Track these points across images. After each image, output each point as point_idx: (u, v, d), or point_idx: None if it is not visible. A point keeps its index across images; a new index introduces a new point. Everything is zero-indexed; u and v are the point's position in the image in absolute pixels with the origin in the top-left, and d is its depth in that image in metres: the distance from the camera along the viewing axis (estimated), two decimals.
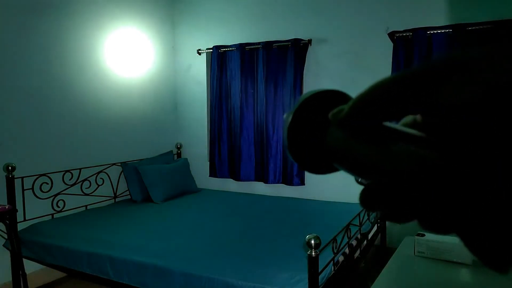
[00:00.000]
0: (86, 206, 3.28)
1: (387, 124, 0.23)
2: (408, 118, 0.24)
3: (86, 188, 3.30)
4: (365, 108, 0.24)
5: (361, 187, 0.24)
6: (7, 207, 2.54)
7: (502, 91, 0.18)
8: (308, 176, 3.67)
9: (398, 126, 0.23)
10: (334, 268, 2.14)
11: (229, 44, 3.92)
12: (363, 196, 0.23)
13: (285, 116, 0.29)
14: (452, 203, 0.20)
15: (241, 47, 3.84)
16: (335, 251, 2.08)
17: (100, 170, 3.44)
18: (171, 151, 4.11)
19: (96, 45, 3.42)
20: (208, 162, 4.12)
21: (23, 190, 2.81)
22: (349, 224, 2.32)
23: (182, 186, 3.73)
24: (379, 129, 0.23)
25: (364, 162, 0.23)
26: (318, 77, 3.63)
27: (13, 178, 2.70)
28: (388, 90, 0.23)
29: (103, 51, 3.50)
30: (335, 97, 0.28)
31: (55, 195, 3.05)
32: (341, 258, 2.29)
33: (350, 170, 0.25)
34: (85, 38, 3.33)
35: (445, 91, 0.20)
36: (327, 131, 0.26)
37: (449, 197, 0.20)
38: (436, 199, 0.20)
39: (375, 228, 3.10)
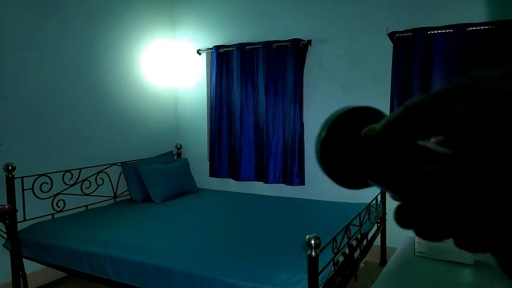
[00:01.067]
0: (86, 206, 3.28)
1: (418, 143, 0.24)
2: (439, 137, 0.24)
3: (86, 188, 3.30)
4: (396, 129, 0.24)
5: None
6: (7, 207, 2.54)
7: (499, 103, 0.19)
8: (308, 176, 3.67)
9: (425, 143, 0.24)
10: (334, 268, 2.14)
11: (229, 44, 3.92)
12: (395, 214, 0.24)
13: (319, 131, 0.29)
14: (480, 220, 0.20)
15: (241, 47, 3.84)
16: (335, 251, 2.08)
17: (100, 170, 3.44)
18: (171, 151, 4.12)
19: (95, 45, 3.42)
20: (208, 162, 4.12)
21: (23, 190, 2.81)
22: (349, 224, 2.31)
23: (182, 186, 3.73)
24: (408, 149, 0.24)
25: (393, 181, 0.24)
26: (318, 77, 3.63)
27: (13, 178, 2.70)
28: (414, 111, 0.24)
29: (102, 51, 3.50)
30: (368, 113, 0.29)
31: (55, 195, 3.05)
32: (341, 258, 2.29)
33: (382, 187, 0.26)
34: (80, 39, 3.33)
35: (450, 108, 0.21)
36: (358, 148, 0.27)
37: (475, 214, 0.20)
38: (464, 216, 0.20)
39: (375, 228, 3.10)
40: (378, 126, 0.25)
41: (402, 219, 0.24)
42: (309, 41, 3.58)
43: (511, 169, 0.19)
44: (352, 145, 0.28)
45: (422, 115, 0.23)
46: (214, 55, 3.98)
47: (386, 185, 0.25)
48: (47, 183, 2.98)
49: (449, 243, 1.74)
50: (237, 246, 2.33)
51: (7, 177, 2.69)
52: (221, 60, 3.96)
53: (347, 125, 0.29)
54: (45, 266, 2.86)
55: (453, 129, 0.21)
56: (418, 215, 0.23)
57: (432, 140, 0.24)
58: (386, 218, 3.29)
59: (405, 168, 0.23)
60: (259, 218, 2.95)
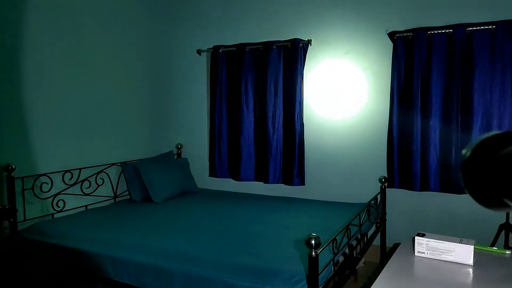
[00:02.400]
0: (86, 206, 3.28)
1: None
2: None
3: (86, 188, 3.30)
4: None
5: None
6: (7, 207, 2.54)
7: None
8: (308, 176, 3.67)
9: None
10: (334, 268, 2.14)
11: (229, 44, 3.92)
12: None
13: (463, 151, 0.31)
14: None
15: (241, 47, 3.84)
16: (335, 251, 2.08)
17: (100, 170, 3.44)
18: (171, 151, 4.12)
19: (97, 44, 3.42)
20: (208, 162, 4.12)
21: (23, 190, 2.81)
22: (349, 224, 2.31)
23: (182, 186, 3.73)
24: None
25: None
26: (318, 77, 3.63)
27: (13, 178, 2.70)
28: None
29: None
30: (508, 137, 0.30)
31: (55, 195, 3.05)
32: (341, 258, 2.29)
33: None
34: (78, 38, 3.33)
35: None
36: (500, 169, 0.28)
37: None
38: None
39: (374, 228, 3.10)
40: None
41: None
42: (309, 41, 3.58)
43: None
44: (493, 165, 0.29)
45: None
46: (214, 55, 3.98)
47: None
48: (47, 183, 2.98)
49: (449, 243, 1.74)
50: (237, 246, 2.32)
51: (7, 177, 2.69)
52: (221, 60, 3.96)
53: (491, 147, 0.30)
54: (45, 266, 2.86)
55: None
56: None
57: None
58: (386, 218, 3.29)
59: None
60: (259, 218, 2.94)
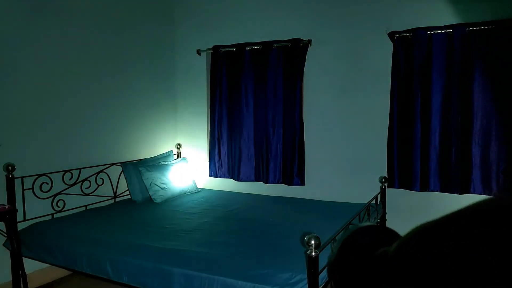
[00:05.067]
0: (86, 206, 3.28)
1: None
2: None
3: (86, 188, 3.30)
4: (408, 256, 0.26)
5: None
6: (7, 207, 2.54)
7: None
8: (308, 176, 3.67)
9: None
10: None
11: (229, 44, 3.92)
12: None
13: (329, 254, 0.31)
14: None
15: (241, 47, 3.83)
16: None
17: (100, 170, 3.43)
18: (171, 151, 4.11)
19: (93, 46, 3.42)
20: (208, 162, 4.12)
21: (23, 190, 2.81)
22: (349, 224, 2.31)
23: (182, 186, 3.73)
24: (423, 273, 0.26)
25: None
26: (318, 77, 3.63)
27: (13, 178, 2.70)
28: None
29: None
30: (376, 231, 0.30)
31: (55, 195, 3.04)
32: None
33: None
34: (79, 40, 3.33)
35: None
36: (369, 268, 0.28)
37: None
38: None
39: None
40: (390, 249, 0.26)
41: None
42: (309, 41, 3.58)
43: None
44: (361, 263, 0.29)
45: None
46: (214, 55, 3.98)
47: None
48: (47, 183, 2.98)
49: None
50: (237, 246, 2.32)
51: (7, 177, 2.69)
52: (221, 60, 3.96)
53: (358, 243, 0.30)
54: (45, 266, 2.86)
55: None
56: None
57: None
58: (386, 218, 3.29)
59: None
60: (259, 218, 2.94)
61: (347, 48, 3.49)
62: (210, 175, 4.09)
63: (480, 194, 3.02)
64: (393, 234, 0.31)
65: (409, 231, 0.26)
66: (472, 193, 3.05)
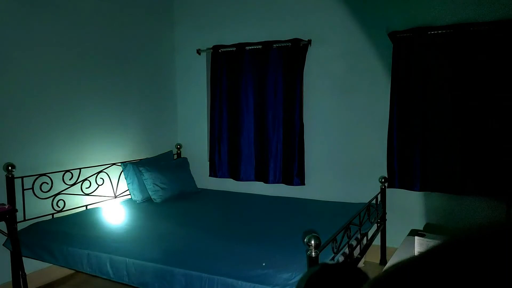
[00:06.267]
0: (86, 206, 3.28)
1: None
2: None
3: (86, 188, 3.30)
4: None
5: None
6: (7, 207, 2.54)
7: None
8: (308, 176, 3.67)
9: None
10: None
11: (229, 44, 3.92)
12: None
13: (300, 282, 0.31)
14: None
15: (241, 47, 3.83)
16: (335, 251, 2.08)
17: (100, 170, 3.43)
18: (171, 151, 4.11)
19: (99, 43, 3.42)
20: (208, 162, 4.12)
21: (23, 190, 2.81)
22: (349, 224, 2.31)
23: (182, 186, 3.73)
24: None
25: None
26: (318, 77, 3.63)
27: (13, 178, 2.70)
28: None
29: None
30: (342, 269, 0.30)
31: (55, 195, 3.05)
32: (341, 258, 2.29)
33: None
34: (78, 39, 3.33)
35: None
36: None
37: None
38: None
39: (375, 227, 3.10)
40: None
41: None
42: (309, 41, 3.58)
43: None
44: None
45: None
46: (214, 55, 3.98)
47: None
48: (47, 183, 2.98)
49: None
50: (237, 246, 2.32)
51: (7, 177, 2.69)
52: (221, 60, 3.96)
53: (323, 283, 0.30)
54: (45, 266, 2.86)
55: None
56: None
57: None
58: (386, 218, 3.29)
59: None
60: (259, 218, 2.95)
61: (347, 48, 3.49)
62: (210, 175, 4.09)
63: (479, 195, 3.02)
64: (362, 276, 0.31)
65: (380, 273, 0.26)
66: (471, 194, 3.04)
